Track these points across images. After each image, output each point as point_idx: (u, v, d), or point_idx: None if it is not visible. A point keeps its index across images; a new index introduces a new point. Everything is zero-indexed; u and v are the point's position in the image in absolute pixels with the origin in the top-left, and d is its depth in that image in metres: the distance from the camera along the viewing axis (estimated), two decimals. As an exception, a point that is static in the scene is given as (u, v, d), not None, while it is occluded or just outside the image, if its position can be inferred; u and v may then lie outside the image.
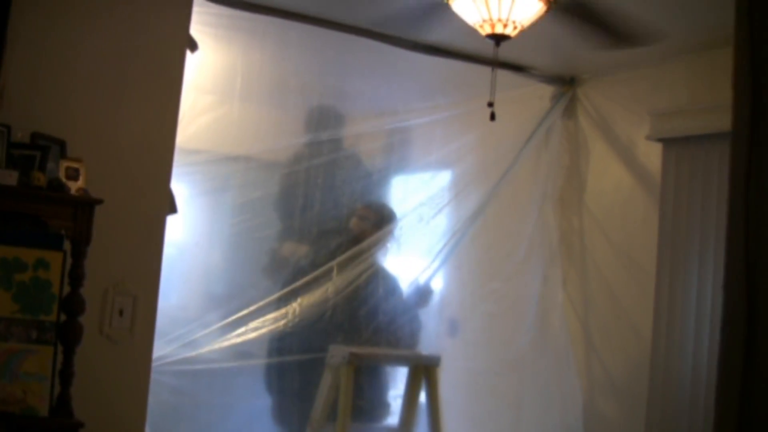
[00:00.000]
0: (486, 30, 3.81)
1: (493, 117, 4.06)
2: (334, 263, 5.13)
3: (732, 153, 1.41)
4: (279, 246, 5.31)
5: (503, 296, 5.69)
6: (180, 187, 4.57)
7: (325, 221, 5.28)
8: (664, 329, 4.96)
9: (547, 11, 3.83)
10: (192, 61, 4.41)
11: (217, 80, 5.03)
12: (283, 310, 4.97)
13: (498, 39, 3.84)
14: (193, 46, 4.40)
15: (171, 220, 4.25)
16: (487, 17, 3.73)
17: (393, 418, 5.33)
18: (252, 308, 4.90)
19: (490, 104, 4.05)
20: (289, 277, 5.12)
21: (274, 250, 5.31)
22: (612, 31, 4.45)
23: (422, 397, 5.22)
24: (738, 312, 1.38)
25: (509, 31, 3.79)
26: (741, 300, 1.38)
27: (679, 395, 4.81)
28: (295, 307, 4.99)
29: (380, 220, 5.42)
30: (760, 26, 1.43)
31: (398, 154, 5.74)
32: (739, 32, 1.46)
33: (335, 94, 5.58)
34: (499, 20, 3.73)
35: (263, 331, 4.91)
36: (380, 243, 5.31)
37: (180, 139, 4.26)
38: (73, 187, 3.56)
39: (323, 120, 5.34)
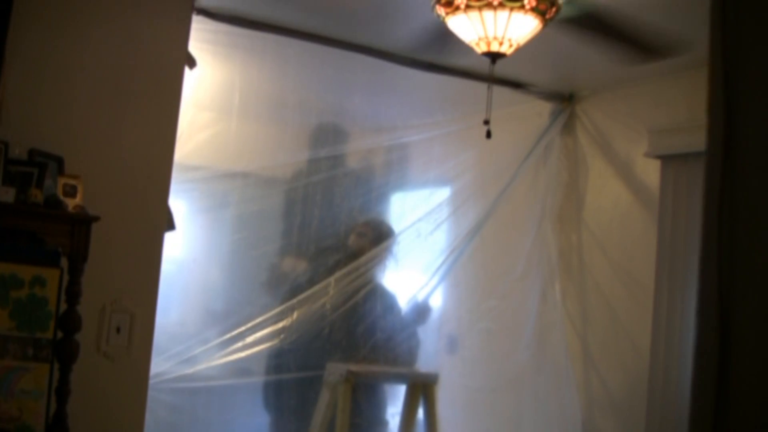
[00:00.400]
0: (482, 48, 3.82)
1: (488, 135, 4.07)
2: (331, 279, 5.14)
3: (705, 177, 1.42)
4: (279, 261, 5.31)
5: (501, 313, 5.69)
6: (178, 203, 4.58)
7: (323, 238, 5.28)
8: (663, 346, 4.96)
9: (543, 28, 3.84)
10: (191, 77, 4.43)
11: (215, 96, 5.04)
12: (280, 325, 4.97)
13: (494, 57, 3.85)
14: (191, 62, 4.42)
15: (169, 237, 4.26)
16: (482, 35, 3.74)
17: (391, 436, 5.33)
18: (250, 324, 4.90)
19: (486, 122, 4.06)
20: (287, 293, 5.12)
21: (274, 264, 5.31)
22: (632, 44, 4.45)
23: (420, 414, 5.21)
24: (711, 341, 1.39)
25: (505, 48, 3.80)
26: (714, 329, 1.38)
27: (678, 412, 4.80)
28: (291, 322, 4.99)
29: (379, 236, 5.42)
30: (733, 47, 1.44)
31: (397, 171, 5.75)
32: (713, 53, 1.47)
33: (334, 111, 5.60)
34: (495, 38, 3.74)
35: (260, 347, 4.91)
36: (378, 258, 5.31)
37: (178, 156, 4.28)
38: (71, 203, 3.56)
39: (328, 136, 5.35)
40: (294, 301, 5.05)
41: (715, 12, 1.52)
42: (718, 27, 1.46)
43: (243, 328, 4.89)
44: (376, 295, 5.30)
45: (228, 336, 4.86)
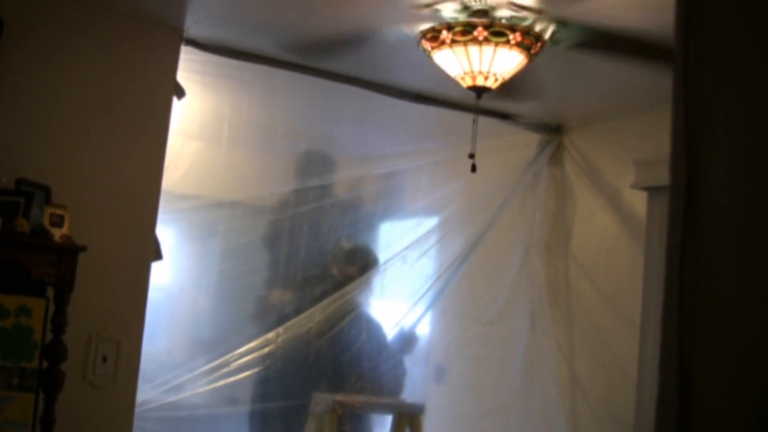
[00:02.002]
0: (467, 82, 3.86)
1: (474, 169, 4.10)
2: (317, 306, 5.15)
3: (668, 231, 1.44)
4: (267, 293, 5.32)
5: (489, 340, 5.70)
6: (166, 232, 4.60)
7: (310, 268, 5.29)
8: (649, 376, 4.98)
9: (529, 63, 3.88)
10: (179, 107, 4.46)
11: (204, 126, 5.06)
12: (265, 351, 4.98)
13: (479, 91, 3.89)
14: (180, 92, 4.45)
15: (157, 266, 4.28)
16: (468, 70, 3.79)
17: (378, 466, 5.34)
18: (236, 351, 4.91)
19: (471, 156, 4.09)
20: (274, 324, 5.13)
21: (262, 297, 5.32)
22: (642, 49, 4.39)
23: (407, 444, 5.23)
24: (671, 393, 1.41)
25: (490, 83, 3.85)
26: (674, 380, 1.40)
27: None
28: (276, 348, 5.00)
29: (365, 265, 5.44)
30: (694, 85, 1.47)
31: (385, 201, 5.77)
32: (676, 92, 1.49)
33: (323, 140, 5.62)
34: (480, 73, 3.78)
35: (246, 373, 4.91)
36: (363, 286, 5.33)
37: (166, 185, 4.31)
38: (57, 233, 3.59)
39: (314, 165, 5.38)
40: (280, 328, 5.06)
41: (678, 57, 1.55)
42: (680, 65, 1.49)
43: (229, 355, 4.90)
44: (362, 322, 5.31)
45: (214, 363, 4.87)
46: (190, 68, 4.52)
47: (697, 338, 1.38)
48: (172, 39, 4.28)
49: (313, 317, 5.13)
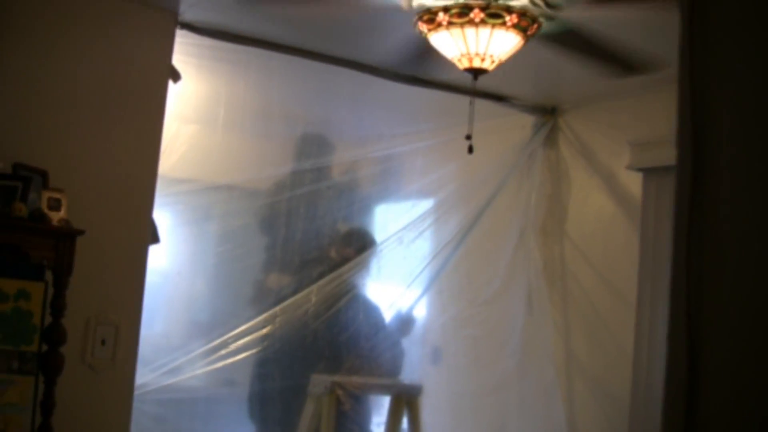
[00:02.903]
0: (464, 64, 3.85)
1: (470, 150, 4.10)
2: (313, 287, 5.15)
3: (675, 198, 1.44)
4: (264, 277, 5.32)
5: (485, 321, 5.71)
6: (163, 216, 4.60)
7: (307, 251, 5.29)
8: (645, 356, 5.00)
9: (525, 44, 3.88)
10: (175, 90, 4.45)
11: (200, 109, 5.05)
12: (263, 332, 4.98)
13: (476, 73, 3.89)
14: (175, 76, 4.44)
15: (154, 249, 4.28)
16: (464, 51, 3.78)
17: (376, 447, 5.35)
18: (233, 332, 4.91)
19: (468, 137, 4.09)
20: (271, 306, 5.13)
21: (260, 281, 5.32)
22: (611, 60, 4.50)
23: (405, 425, 5.23)
24: (680, 368, 1.41)
25: (487, 65, 3.84)
26: (682, 356, 1.40)
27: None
28: (274, 329, 5.00)
29: (362, 247, 5.44)
30: (701, 65, 1.47)
31: (381, 183, 5.76)
32: (682, 70, 1.49)
33: (319, 123, 5.61)
34: (477, 54, 3.78)
35: (244, 354, 4.91)
36: (360, 266, 5.33)
37: (163, 168, 4.30)
38: (55, 217, 3.58)
39: (311, 148, 5.37)
40: (277, 308, 5.07)
41: (684, 33, 1.54)
42: (687, 48, 1.49)
43: (226, 336, 4.90)
44: (359, 303, 5.32)
45: (212, 345, 4.88)
46: (186, 51, 4.51)
47: (705, 315, 1.38)
48: (168, 22, 4.27)
49: (309, 297, 5.13)
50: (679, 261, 1.42)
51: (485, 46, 3.75)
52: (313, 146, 5.41)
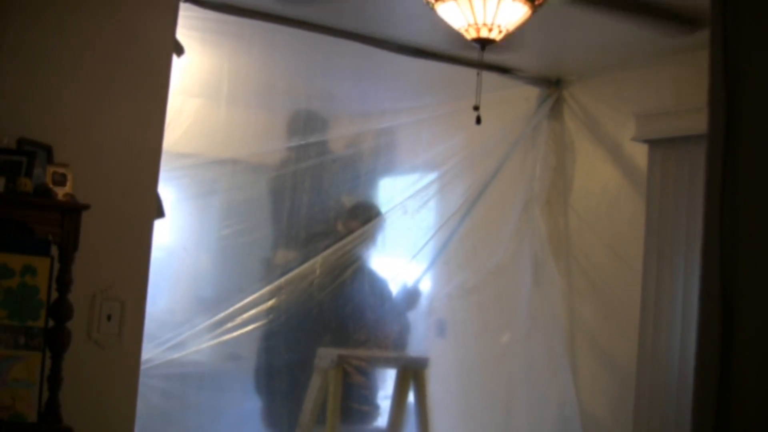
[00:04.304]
0: (471, 34, 3.81)
1: (478, 121, 4.06)
2: (318, 258, 5.13)
3: (707, 160, 1.41)
4: (272, 255, 5.30)
5: (491, 290, 5.70)
6: (167, 190, 4.57)
7: (313, 224, 5.28)
8: (651, 326, 4.99)
9: (533, 15, 3.83)
10: (178, 64, 4.41)
11: (203, 83, 5.02)
12: (268, 305, 4.97)
13: (483, 43, 3.84)
14: (179, 50, 4.40)
15: (159, 224, 4.24)
16: (472, 22, 3.73)
17: (382, 420, 5.33)
18: (238, 305, 4.90)
19: (476, 108, 4.04)
20: (276, 278, 5.11)
21: (268, 259, 5.30)
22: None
23: (411, 398, 5.22)
24: (713, 333, 1.38)
25: (494, 35, 3.79)
26: (717, 321, 1.37)
27: (667, 387, 4.84)
28: (280, 302, 4.99)
29: (368, 220, 5.42)
30: (734, 29, 1.43)
31: (385, 157, 5.74)
32: (714, 35, 1.46)
33: (323, 97, 5.58)
34: (485, 25, 3.73)
35: (250, 327, 4.90)
36: (365, 236, 5.31)
37: (167, 143, 4.26)
38: (60, 192, 3.54)
39: (305, 125, 5.34)
40: (282, 280, 5.05)
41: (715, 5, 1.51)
42: (719, 10, 1.45)
43: (231, 310, 4.88)
44: (364, 275, 5.30)
45: (217, 318, 4.86)
46: (190, 25, 4.47)
47: (739, 277, 1.35)
48: (172, -5, 4.22)
49: (314, 269, 5.11)
50: (712, 222, 1.38)
51: (493, 16, 3.70)
52: (313, 122, 5.37)
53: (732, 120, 1.37)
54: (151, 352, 4.55)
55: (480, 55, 3.99)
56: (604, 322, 5.38)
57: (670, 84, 5.05)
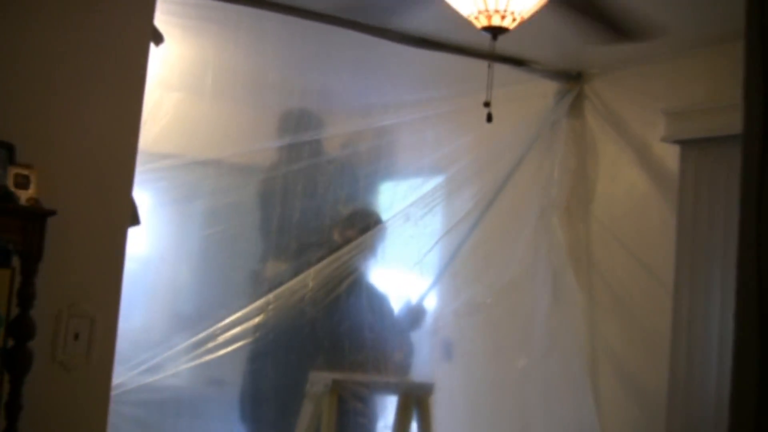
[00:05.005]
0: (482, 22, 3.79)
1: (489, 119, 4.04)
2: (310, 270, 5.12)
3: (742, 162, 1.39)
4: (261, 266, 5.29)
5: (504, 308, 5.69)
6: (143, 195, 4.56)
7: (306, 233, 5.26)
8: (684, 347, 4.96)
9: (549, 1, 3.82)
10: (157, 54, 4.39)
11: (185, 76, 5.01)
12: (255, 321, 4.95)
13: (495, 32, 3.82)
14: (158, 38, 4.38)
15: (133, 232, 4.23)
16: (482, 8, 3.71)
17: (381, 452, 5.33)
18: (221, 324, 4.88)
19: (487, 104, 4.03)
20: (264, 293, 5.10)
21: (256, 271, 5.29)
22: (614, 25, 4.45)
23: (414, 429, 5.20)
24: (751, 346, 1.36)
25: (507, 23, 3.78)
26: (754, 330, 1.35)
27: (701, 413, 4.83)
28: (267, 318, 4.97)
29: (366, 228, 5.41)
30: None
31: (386, 158, 5.73)
32: (750, 25, 1.44)
33: (317, 91, 5.58)
34: (497, 11, 3.71)
35: (234, 346, 4.88)
36: (362, 246, 5.29)
37: (143, 142, 4.24)
38: (23, 196, 3.53)
39: (298, 122, 5.33)
40: (270, 295, 5.03)
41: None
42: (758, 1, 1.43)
43: (214, 328, 4.86)
44: (362, 289, 5.28)
45: (197, 338, 4.84)
46: (169, 11, 4.46)
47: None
48: (148, -22, 4.21)
49: (306, 282, 5.09)
50: (748, 231, 1.36)
51: (505, 1, 3.68)
52: (291, 120, 5.36)
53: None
54: (123, 375, 4.53)
55: (491, 46, 3.97)
56: (630, 343, 5.37)
57: (702, 79, 5.03)
